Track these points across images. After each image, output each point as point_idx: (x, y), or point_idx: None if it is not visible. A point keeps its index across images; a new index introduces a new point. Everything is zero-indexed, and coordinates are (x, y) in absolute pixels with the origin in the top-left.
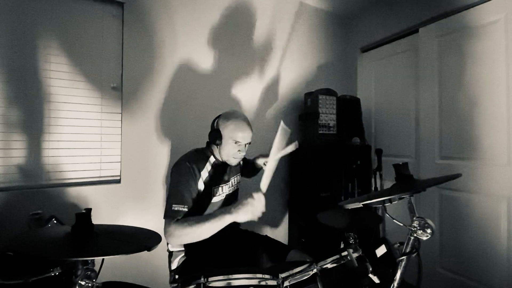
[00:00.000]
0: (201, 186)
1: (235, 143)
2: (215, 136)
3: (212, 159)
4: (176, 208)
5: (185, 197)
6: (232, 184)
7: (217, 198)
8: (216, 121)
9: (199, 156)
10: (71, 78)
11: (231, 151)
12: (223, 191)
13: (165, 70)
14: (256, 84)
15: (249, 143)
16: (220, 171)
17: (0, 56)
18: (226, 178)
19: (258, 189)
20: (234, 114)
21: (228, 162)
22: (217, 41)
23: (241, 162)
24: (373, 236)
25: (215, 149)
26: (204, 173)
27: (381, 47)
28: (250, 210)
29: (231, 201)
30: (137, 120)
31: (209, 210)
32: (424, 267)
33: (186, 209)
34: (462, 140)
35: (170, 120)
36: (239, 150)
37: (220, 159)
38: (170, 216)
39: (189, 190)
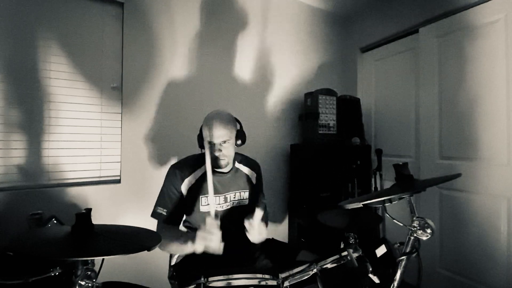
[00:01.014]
0: (184, 191)
1: (209, 143)
2: (198, 140)
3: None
4: (158, 211)
5: (166, 201)
6: (229, 199)
7: (205, 208)
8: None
9: (191, 162)
10: (71, 78)
11: (208, 151)
12: (214, 201)
13: (165, 69)
14: (256, 84)
15: (233, 142)
16: (214, 179)
17: (0, 56)
18: (219, 189)
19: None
20: (209, 114)
21: (213, 166)
22: (217, 41)
23: (254, 180)
24: (373, 236)
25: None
26: (190, 179)
27: (381, 47)
28: (203, 242)
29: (232, 221)
30: (137, 120)
31: (197, 219)
32: (424, 267)
33: (165, 213)
34: (462, 140)
35: (170, 119)
36: (214, 150)
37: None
38: (154, 218)
39: (170, 194)
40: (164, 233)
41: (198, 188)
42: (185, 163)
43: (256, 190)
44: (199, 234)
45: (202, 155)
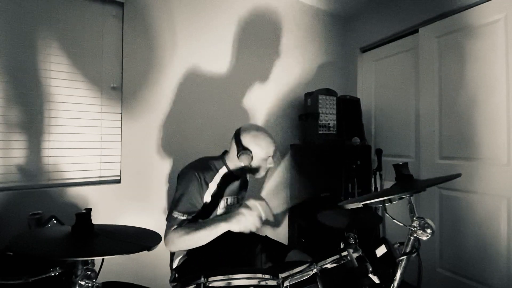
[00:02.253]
0: (207, 198)
1: (268, 157)
2: (246, 156)
3: (223, 170)
4: (175, 215)
5: (187, 207)
6: (238, 200)
7: (221, 211)
8: (241, 139)
9: (209, 166)
10: (71, 78)
11: (262, 164)
12: (228, 203)
13: (165, 69)
14: (255, 84)
15: None
16: (229, 183)
17: (0, 56)
18: (234, 190)
19: (256, 198)
20: (259, 130)
21: (253, 170)
22: (217, 42)
23: (248, 178)
24: (373, 236)
25: (231, 160)
26: (213, 185)
27: (381, 47)
28: (243, 221)
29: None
30: (137, 120)
31: None
32: (424, 267)
33: (184, 218)
34: (462, 140)
35: (170, 119)
36: (270, 162)
37: (232, 170)
38: (169, 222)
39: (193, 200)
40: (182, 228)
41: (219, 192)
42: (205, 167)
43: (246, 187)
44: (242, 211)
45: (220, 158)
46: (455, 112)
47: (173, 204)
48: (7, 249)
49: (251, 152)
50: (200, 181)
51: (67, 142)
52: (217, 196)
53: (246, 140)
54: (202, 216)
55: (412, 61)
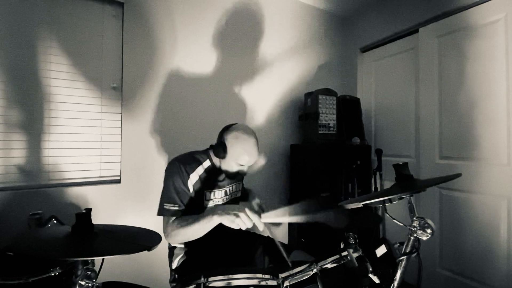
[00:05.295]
0: (190, 187)
1: (239, 164)
2: (220, 151)
3: (206, 163)
4: (167, 207)
5: (174, 196)
6: (229, 192)
7: (211, 203)
8: (224, 134)
9: (192, 158)
10: (71, 78)
11: (233, 168)
12: (215, 196)
13: (165, 70)
14: (256, 84)
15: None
16: (214, 176)
17: (0, 56)
18: (220, 184)
19: (258, 212)
20: (244, 134)
21: (226, 173)
22: (217, 42)
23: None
24: (373, 236)
25: (214, 155)
26: (194, 176)
27: (381, 47)
28: (236, 221)
29: None
30: (137, 120)
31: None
32: (424, 267)
33: (177, 208)
34: (462, 140)
35: (170, 119)
36: (240, 170)
37: (216, 165)
38: (163, 215)
39: (178, 189)
40: (178, 221)
41: (202, 183)
42: (187, 158)
43: (242, 179)
44: (240, 214)
45: (205, 152)
46: (455, 112)
47: (162, 196)
48: (7, 249)
49: (225, 147)
50: (180, 170)
51: (67, 142)
52: (201, 188)
53: (227, 136)
54: (190, 207)
55: (412, 61)
